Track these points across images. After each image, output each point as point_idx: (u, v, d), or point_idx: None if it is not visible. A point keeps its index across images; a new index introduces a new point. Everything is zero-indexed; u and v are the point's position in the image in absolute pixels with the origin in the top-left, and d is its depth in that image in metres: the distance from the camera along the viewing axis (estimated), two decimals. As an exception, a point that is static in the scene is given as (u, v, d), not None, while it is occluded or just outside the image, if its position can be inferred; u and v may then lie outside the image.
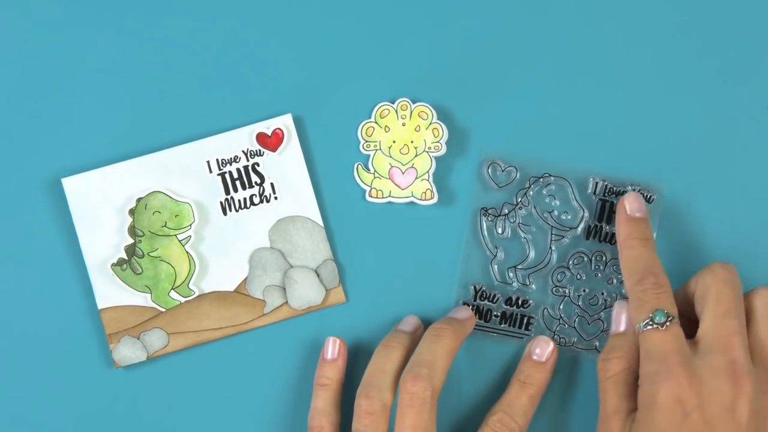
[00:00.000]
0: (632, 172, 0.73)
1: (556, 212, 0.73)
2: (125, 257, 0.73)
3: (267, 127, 0.74)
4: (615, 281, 0.73)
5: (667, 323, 0.65)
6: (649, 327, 0.65)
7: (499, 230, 0.73)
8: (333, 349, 0.72)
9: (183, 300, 0.73)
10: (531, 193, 0.73)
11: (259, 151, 0.74)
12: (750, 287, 0.70)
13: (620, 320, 0.70)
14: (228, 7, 0.75)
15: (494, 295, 0.73)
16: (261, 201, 0.74)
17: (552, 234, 0.73)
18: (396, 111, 0.73)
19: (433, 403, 0.66)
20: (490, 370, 0.74)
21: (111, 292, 0.73)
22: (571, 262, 0.73)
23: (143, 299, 0.73)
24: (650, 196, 0.73)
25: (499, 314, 0.73)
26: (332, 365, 0.72)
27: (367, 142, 0.74)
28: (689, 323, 0.68)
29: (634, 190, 0.73)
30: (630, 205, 0.71)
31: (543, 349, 0.72)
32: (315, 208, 0.74)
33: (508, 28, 0.75)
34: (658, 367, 0.64)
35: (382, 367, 0.68)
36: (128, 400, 0.74)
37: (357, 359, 0.74)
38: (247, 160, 0.74)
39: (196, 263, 0.73)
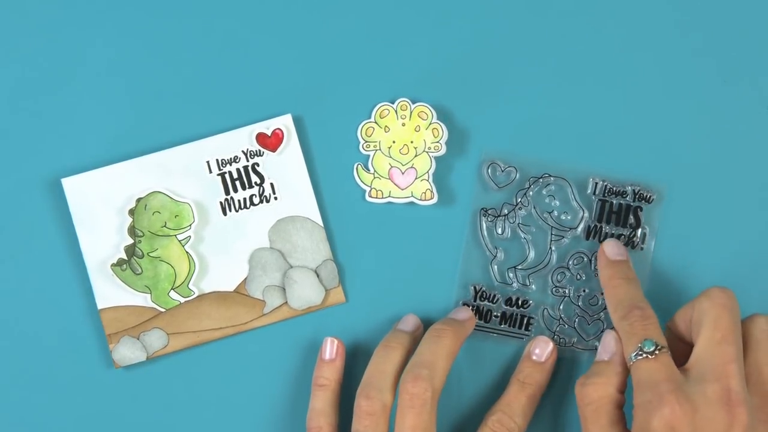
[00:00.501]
0: (632, 172, 0.73)
1: (555, 212, 0.73)
2: (125, 257, 0.73)
3: (267, 127, 0.74)
4: (615, 281, 0.73)
5: (656, 352, 0.64)
6: (640, 357, 0.65)
7: (499, 230, 0.73)
8: (331, 349, 0.72)
9: (183, 300, 0.73)
10: (531, 193, 0.73)
11: (259, 151, 0.74)
12: (749, 285, 0.70)
13: (606, 348, 0.69)
14: (228, 7, 0.75)
15: (494, 296, 0.73)
16: (261, 201, 0.74)
17: (552, 234, 0.73)
18: (396, 111, 0.73)
19: (434, 404, 0.66)
20: (490, 371, 0.74)
21: (111, 292, 0.73)
22: (570, 263, 0.73)
23: (143, 299, 0.73)
24: (650, 196, 0.73)
25: (499, 314, 0.73)
26: (330, 366, 0.72)
27: (366, 142, 0.74)
28: (687, 349, 0.67)
29: (633, 190, 0.73)
30: (610, 249, 0.71)
31: (542, 349, 0.72)
32: (315, 208, 0.74)
33: (508, 28, 0.75)
34: (650, 395, 0.63)
35: (381, 367, 0.68)
36: (128, 400, 0.74)
37: (356, 359, 0.74)
38: (247, 160, 0.74)
39: (195, 263, 0.73)
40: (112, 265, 0.73)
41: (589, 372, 0.68)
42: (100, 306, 0.73)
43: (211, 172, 0.74)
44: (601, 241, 0.73)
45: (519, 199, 0.73)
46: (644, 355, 0.64)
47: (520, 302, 0.73)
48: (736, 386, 0.62)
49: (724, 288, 0.66)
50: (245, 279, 0.73)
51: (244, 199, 0.74)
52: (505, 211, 0.73)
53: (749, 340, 0.66)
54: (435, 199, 0.73)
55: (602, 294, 0.73)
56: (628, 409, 0.66)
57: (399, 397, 0.67)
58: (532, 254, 0.73)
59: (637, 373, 0.65)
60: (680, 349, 0.67)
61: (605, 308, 0.73)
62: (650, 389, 0.63)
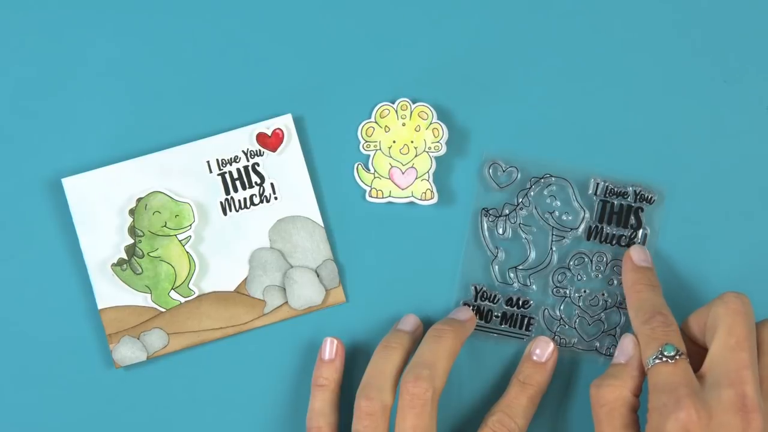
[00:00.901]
0: (633, 173, 0.73)
1: (556, 213, 0.73)
2: (125, 257, 0.73)
3: (267, 127, 0.74)
4: (615, 282, 0.73)
5: (677, 357, 0.64)
6: (659, 361, 0.65)
7: (500, 231, 0.73)
8: (330, 349, 0.72)
9: (183, 300, 0.73)
10: (532, 193, 0.73)
11: (259, 151, 0.74)
12: (750, 285, 0.70)
13: (623, 351, 0.69)
14: (228, 7, 0.75)
15: (495, 296, 0.73)
16: (261, 201, 0.74)
17: (553, 235, 0.73)
18: (396, 111, 0.73)
19: (434, 405, 0.66)
20: (491, 371, 0.74)
21: (111, 292, 0.73)
22: (571, 263, 0.73)
23: (143, 299, 0.73)
24: (651, 197, 0.73)
25: (499, 315, 0.73)
26: (330, 366, 0.72)
27: (367, 142, 0.74)
28: (700, 352, 0.67)
29: (635, 190, 0.73)
30: (636, 255, 0.71)
31: (543, 349, 0.72)
32: (315, 208, 0.74)
33: (509, 28, 0.75)
34: (666, 399, 0.63)
35: (382, 367, 0.68)
36: (128, 400, 0.73)
37: (356, 359, 0.74)
38: (247, 160, 0.74)
39: (196, 263, 0.73)
40: (112, 265, 0.73)
41: (605, 374, 0.68)
42: (100, 306, 0.73)
43: (211, 172, 0.74)
44: (602, 242, 0.73)
45: (520, 200, 0.73)
46: (664, 359, 0.64)
47: (520, 302, 0.73)
48: (751, 392, 0.62)
49: (739, 293, 0.66)
50: (245, 279, 0.73)
51: (245, 199, 0.74)
52: (506, 211, 0.73)
53: (762, 346, 0.66)
54: (435, 199, 0.73)
55: (603, 294, 0.73)
56: (642, 414, 0.66)
57: (399, 397, 0.67)
58: (533, 254, 0.73)
59: (655, 376, 0.64)
60: (693, 353, 0.67)
61: (606, 309, 0.73)
62: (667, 393, 0.63)
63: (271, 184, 0.74)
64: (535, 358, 0.72)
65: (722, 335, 0.65)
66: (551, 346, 0.72)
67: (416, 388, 0.66)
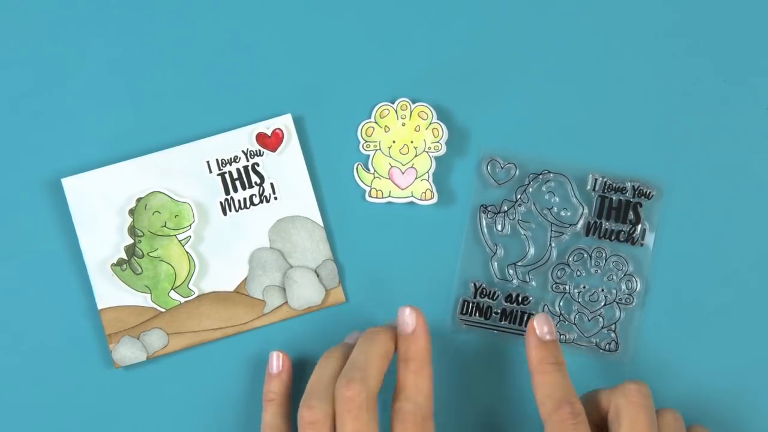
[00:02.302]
0: (631, 169, 0.73)
1: (555, 209, 0.73)
2: (125, 257, 0.73)
3: (267, 127, 0.74)
4: (615, 278, 0.73)
5: None
6: None
7: (499, 227, 0.73)
8: (277, 363, 0.71)
9: (183, 300, 0.73)
10: (530, 190, 0.73)
11: (259, 151, 0.74)
12: (748, 279, 0.70)
13: None
14: (228, 7, 0.75)
15: (494, 293, 0.73)
16: (261, 201, 0.74)
17: (551, 231, 0.73)
18: (396, 111, 0.74)
19: (371, 405, 0.65)
20: (490, 368, 0.73)
21: (111, 292, 0.73)
22: (570, 259, 0.73)
23: (143, 299, 0.73)
24: (650, 192, 0.73)
25: (499, 311, 0.73)
26: (277, 379, 0.71)
27: (367, 142, 0.74)
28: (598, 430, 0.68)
29: (633, 186, 0.73)
30: (540, 328, 0.68)
31: (408, 320, 0.68)
32: (315, 208, 0.74)
33: (507, 28, 0.75)
34: None
35: (321, 377, 0.67)
36: (128, 400, 0.73)
37: (357, 360, 0.73)
38: (247, 160, 0.74)
39: (195, 263, 0.73)
40: (112, 265, 0.73)
41: None
42: (100, 306, 0.73)
43: (211, 172, 0.74)
44: (601, 237, 0.73)
45: (519, 196, 0.73)
46: None
47: (520, 299, 0.73)
48: None
49: (639, 383, 0.67)
50: (245, 279, 0.73)
51: (244, 199, 0.74)
52: (505, 208, 0.73)
53: None
54: (435, 199, 0.73)
55: (602, 290, 0.73)
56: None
57: (336, 403, 0.65)
58: (531, 251, 0.73)
59: None
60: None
61: (605, 304, 0.73)
62: None
63: (271, 184, 0.74)
64: (407, 331, 0.68)
65: (626, 428, 0.65)
66: (415, 313, 0.68)
67: (349, 391, 0.64)
